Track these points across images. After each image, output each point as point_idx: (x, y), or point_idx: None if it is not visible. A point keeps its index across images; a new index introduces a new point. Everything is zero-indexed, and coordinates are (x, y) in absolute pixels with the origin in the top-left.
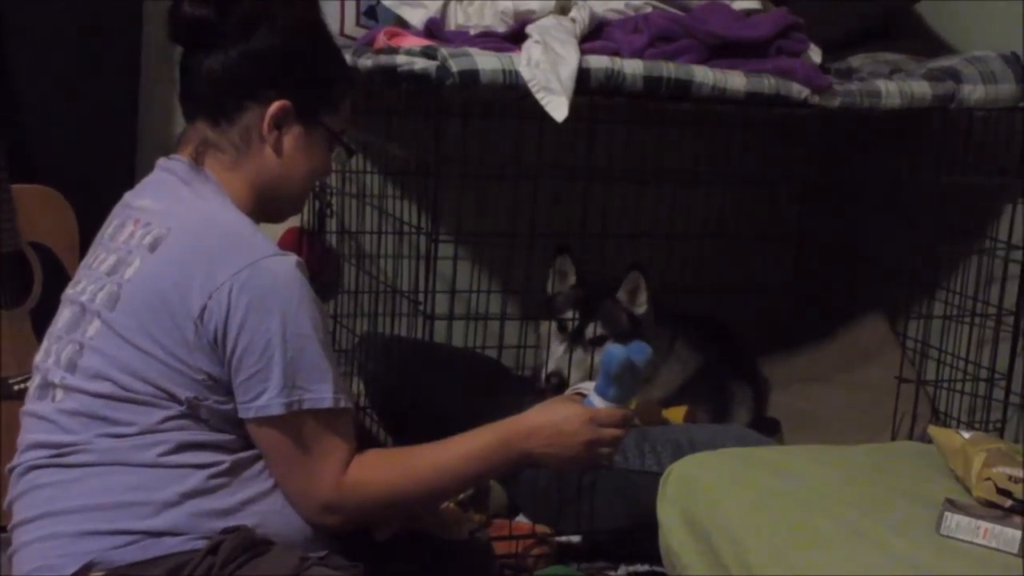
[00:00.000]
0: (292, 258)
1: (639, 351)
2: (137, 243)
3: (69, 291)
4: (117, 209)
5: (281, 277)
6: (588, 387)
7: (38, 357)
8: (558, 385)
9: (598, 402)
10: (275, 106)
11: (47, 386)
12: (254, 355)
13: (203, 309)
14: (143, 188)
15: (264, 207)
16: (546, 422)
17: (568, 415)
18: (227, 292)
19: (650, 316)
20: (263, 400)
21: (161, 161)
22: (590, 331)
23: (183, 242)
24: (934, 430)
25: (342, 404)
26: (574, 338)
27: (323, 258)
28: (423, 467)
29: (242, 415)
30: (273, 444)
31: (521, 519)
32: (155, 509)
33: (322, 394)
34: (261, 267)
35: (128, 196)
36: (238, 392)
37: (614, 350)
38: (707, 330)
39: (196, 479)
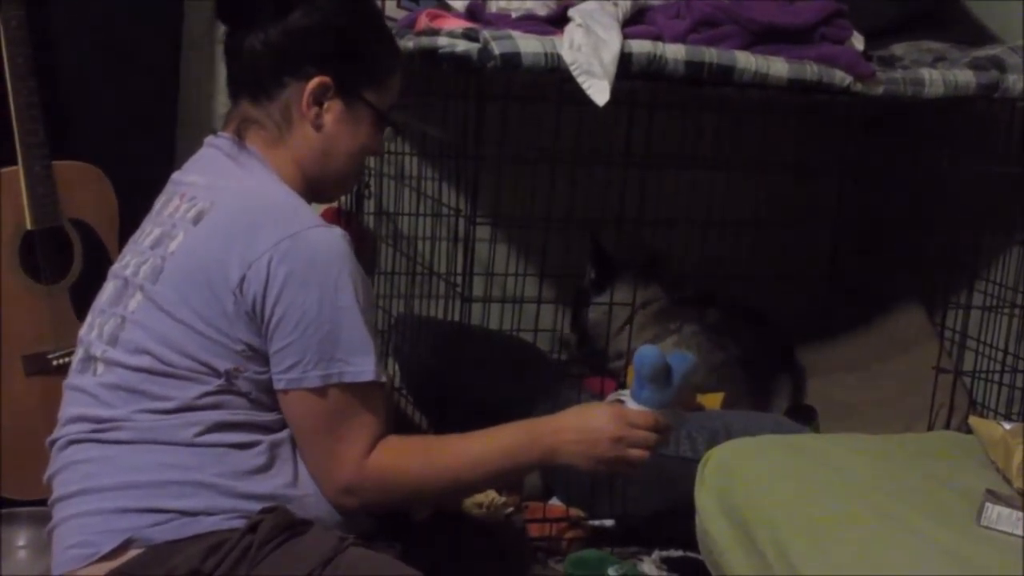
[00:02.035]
0: (336, 230)
1: (681, 360)
2: (181, 217)
3: (115, 266)
4: (166, 187)
5: (322, 249)
6: (626, 394)
7: (82, 331)
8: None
9: (632, 404)
10: (314, 82)
11: (89, 359)
12: (289, 326)
13: (242, 279)
14: (190, 165)
15: (311, 185)
16: (576, 420)
17: (598, 413)
18: (266, 262)
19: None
20: (296, 372)
21: (208, 138)
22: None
23: (226, 214)
24: (975, 421)
25: (383, 379)
26: None
27: (360, 239)
28: (448, 459)
29: (275, 386)
30: (303, 416)
31: (555, 502)
32: (192, 489)
33: (363, 367)
34: (302, 238)
35: (176, 174)
36: (272, 362)
37: (646, 350)
38: (747, 319)
39: (233, 459)
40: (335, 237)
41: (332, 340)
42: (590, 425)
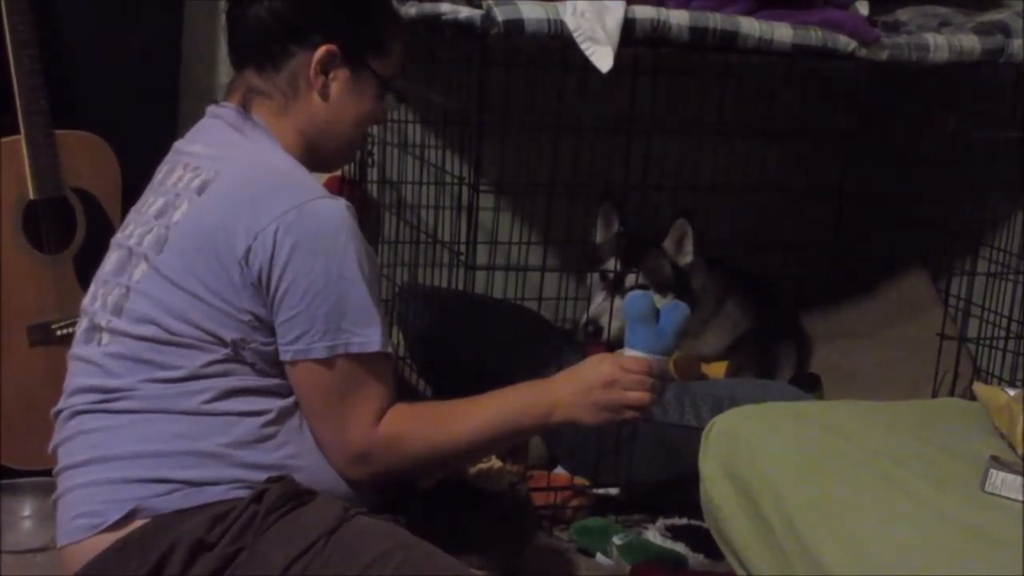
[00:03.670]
0: (340, 201)
1: (673, 308)
2: (185, 186)
3: (118, 236)
4: (168, 156)
5: (328, 220)
6: (622, 350)
7: (85, 301)
8: (595, 332)
9: (626, 352)
10: (321, 51)
11: (94, 329)
12: (295, 296)
13: (248, 250)
14: (193, 134)
15: (315, 154)
16: (569, 375)
17: (589, 363)
18: (272, 233)
19: (697, 267)
20: (302, 343)
21: (211, 108)
22: (630, 280)
23: (231, 184)
24: (979, 387)
25: (389, 349)
26: (615, 288)
27: (363, 207)
28: (456, 422)
29: (282, 357)
30: (311, 387)
31: (559, 471)
32: (197, 459)
33: (370, 337)
34: (308, 209)
35: (178, 143)
36: (279, 333)
37: (633, 294)
38: (757, 289)
39: (241, 429)
40: (340, 208)
41: (338, 311)
42: (583, 375)
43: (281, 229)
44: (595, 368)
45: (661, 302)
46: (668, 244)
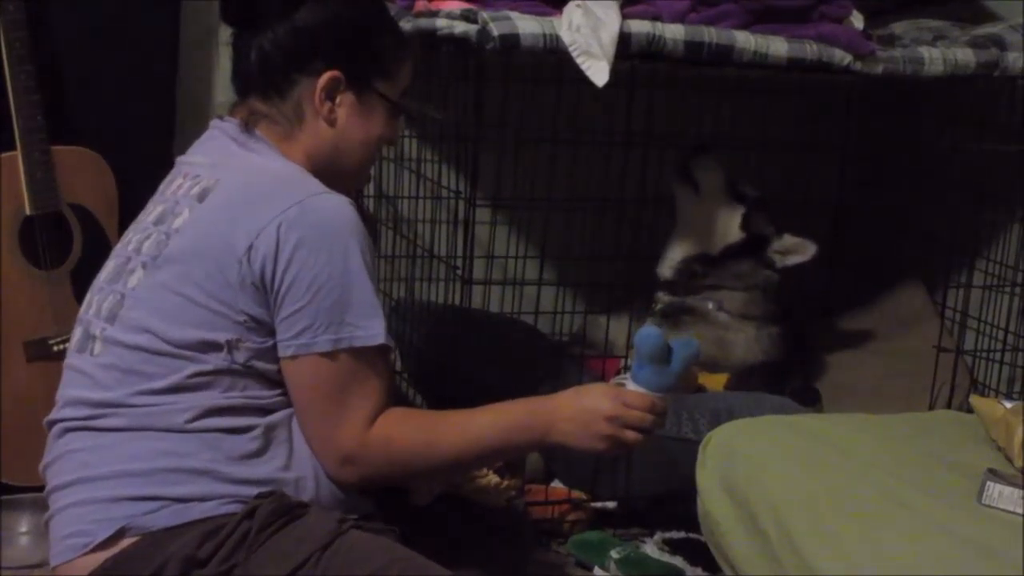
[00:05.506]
0: (341, 196)
1: (684, 345)
2: (185, 194)
3: (117, 247)
4: (172, 169)
5: (330, 213)
6: (627, 377)
7: (81, 309)
8: None
9: (631, 386)
10: (325, 77)
11: (88, 338)
12: (299, 291)
13: (249, 248)
14: (195, 147)
15: (324, 178)
16: (572, 400)
17: (594, 393)
18: (275, 229)
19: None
20: (305, 338)
21: (214, 121)
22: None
23: (231, 189)
24: (976, 400)
25: (392, 342)
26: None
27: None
28: (449, 433)
29: (281, 353)
30: (311, 382)
31: (557, 484)
32: (185, 476)
33: (374, 331)
34: (310, 204)
35: (181, 157)
36: (280, 329)
37: (648, 330)
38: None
39: (228, 444)
40: (342, 203)
41: (343, 304)
42: (585, 404)
43: (284, 225)
44: (599, 400)
45: (677, 335)
46: (786, 242)
